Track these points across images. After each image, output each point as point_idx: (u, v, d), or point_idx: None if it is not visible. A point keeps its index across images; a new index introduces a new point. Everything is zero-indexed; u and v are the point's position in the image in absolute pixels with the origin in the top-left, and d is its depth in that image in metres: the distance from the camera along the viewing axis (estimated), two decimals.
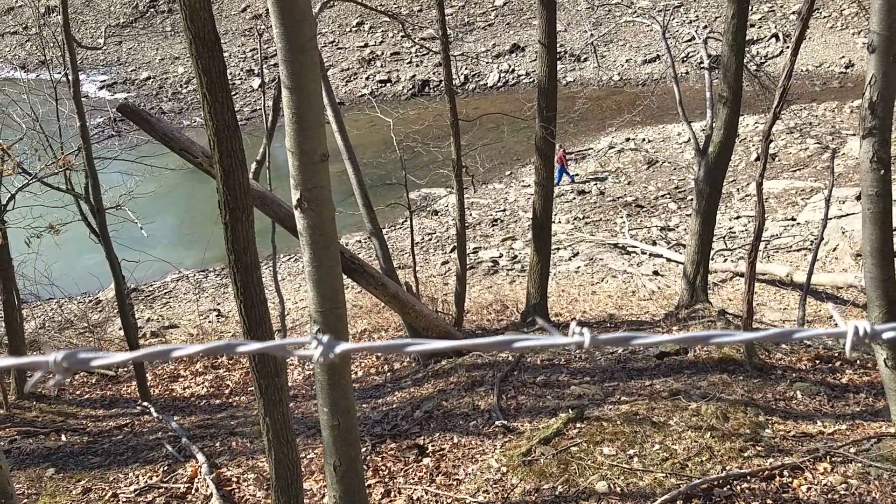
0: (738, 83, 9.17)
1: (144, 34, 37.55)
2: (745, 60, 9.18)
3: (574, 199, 22.59)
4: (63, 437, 8.03)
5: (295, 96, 3.35)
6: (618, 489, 5.59)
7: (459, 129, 9.33)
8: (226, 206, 4.40)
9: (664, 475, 5.68)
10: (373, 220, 9.19)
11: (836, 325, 1.11)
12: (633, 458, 5.94)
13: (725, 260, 16.50)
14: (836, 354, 8.48)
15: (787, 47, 31.28)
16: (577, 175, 23.49)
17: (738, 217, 19.97)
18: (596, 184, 23.22)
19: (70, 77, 9.03)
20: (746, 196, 21.50)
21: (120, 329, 13.28)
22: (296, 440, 5.00)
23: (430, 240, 20.39)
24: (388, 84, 32.61)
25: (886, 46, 4.97)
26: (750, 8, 32.85)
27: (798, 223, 18.40)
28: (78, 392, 10.11)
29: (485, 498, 5.83)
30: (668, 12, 15.74)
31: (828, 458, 5.87)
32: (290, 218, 7.69)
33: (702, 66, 11.13)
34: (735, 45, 9.01)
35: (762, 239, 17.55)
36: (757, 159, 23.53)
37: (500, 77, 32.40)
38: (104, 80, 34.60)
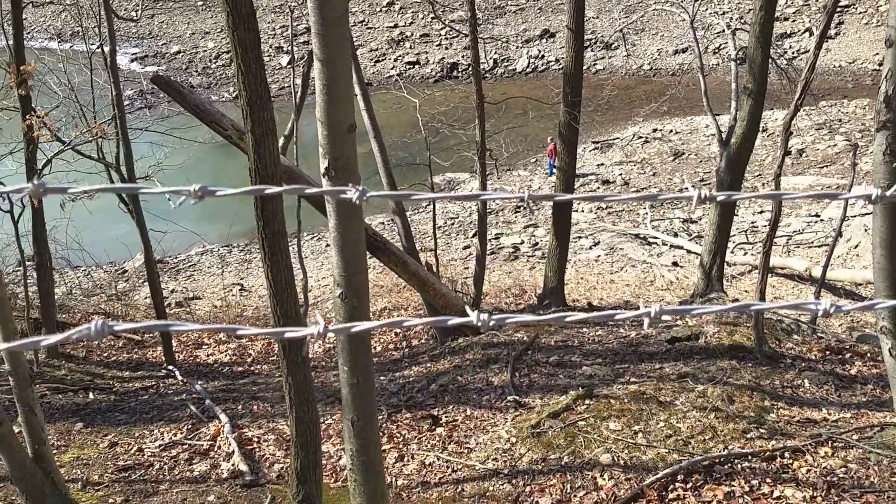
0: (763, 76, 9.23)
1: (177, 8, 37.92)
2: (776, 54, 9.25)
3: (598, 188, 22.67)
4: (91, 395, 8.36)
5: (326, 68, 3.54)
6: (621, 462, 5.78)
7: (484, 112, 9.48)
8: (256, 174, 4.62)
9: (667, 451, 5.87)
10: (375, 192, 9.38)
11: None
12: (637, 433, 6.13)
13: (746, 253, 16.54)
14: (847, 346, 8.59)
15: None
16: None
17: (761, 212, 19.94)
18: (598, 176, 23.15)
19: (107, 48, 9.29)
20: (772, 190, 21.47)
21: (147, 298, 13.64)
22: (316, 401, 5.24)
23: (453, 224, 20.59)
24: (417, 66, 32.74)
25: None
26: (785, 1, 32.38)
27: (822, 219, 18.35)
28: (105, 354, 10.46)
29: (493, 466, 6.05)
30: (698, 3, 15.71)
31: (829, 443, 6.01)
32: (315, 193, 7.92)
33: (730, 57, 11.16)
34: (762, 37, 9.07)
35: (785, 234, 17.66)
36: (785, 154, 23.47)
37: (529, 62, 32.40)
38: (135, 53, 35.06)
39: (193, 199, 1.40)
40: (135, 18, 19.35)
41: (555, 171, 22.62)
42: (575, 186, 10.50)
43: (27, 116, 8.65)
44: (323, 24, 3.49)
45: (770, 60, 11.31)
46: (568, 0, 9.17)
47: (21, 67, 8.22)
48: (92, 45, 13.05)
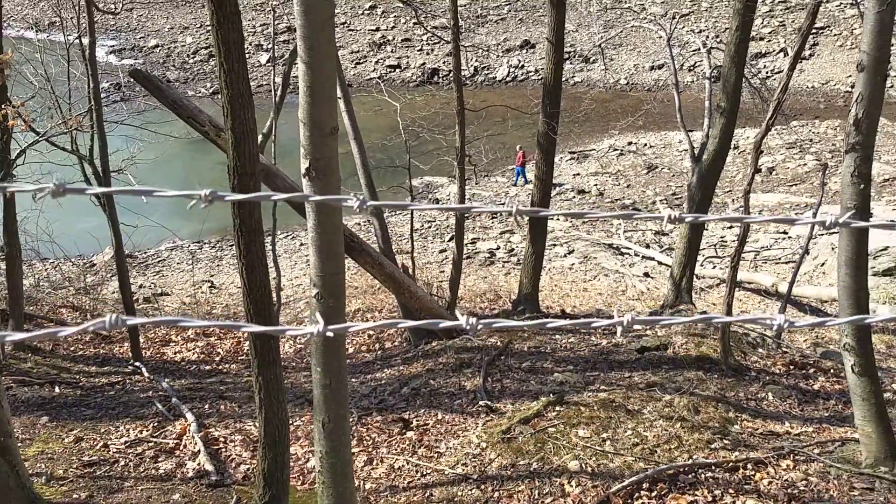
0: (736, 95, 9.40)
1: (156, 2, 37.62)
2: (750, 73, 9.41)
3: (574, 197, 22.85)
4: (57, 389, 8.26)
5: (310, 71, 3.57)
6: (589, 469, 5.85)
7: (465, 119, 9.54)
8: (235, 172, 4.63)
9: (633, 459, 5.95)
10: (374, 201, 9.41)
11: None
12: (605, 441, 6.20)
13: (714, 267, 16.78)
14: (811, 362, 8.76)
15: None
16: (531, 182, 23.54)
17: (730, 227, 20.23)
18: (574, 186, 23.37)
19: (86, 40, 9.21)
20: (741, 207, 21.78)
21: (115, 292, 13.49)
22: (286, 401, 5.25)
23: (430, 227, 20.63)
24: (398, 70, 32.78)
25: (875, 66, 5.22)
26: (761, 21, 32.91)
27: (790, 236, 18.65)
28: (72, 348, 10.34)
29: (463, 470, 6.09)
30: (675, 20, 15.93)
31: (791, 455, 6.13)
32: (293, 192, 7.91)
33: (705, 75, 11.35)
34: (737, 56, 9.24)
35: (753, 249, 17.94)
36: (755, 172, 23.86)
37: (509, 71, 32.58)
38: (113, 46, 34.71)
39: (204, 204, 1.43)
40: (116, 11, 19.13)
41: (521, 179, 22.93)
42: (551, 196, 10.59)
43: (2, 106, 8.55)
44: (309, 28, 3.52)
45: (744, 80, 11.52)
46: (549, 13, 9.27)
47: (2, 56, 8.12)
48: (70, 36, 12.92)
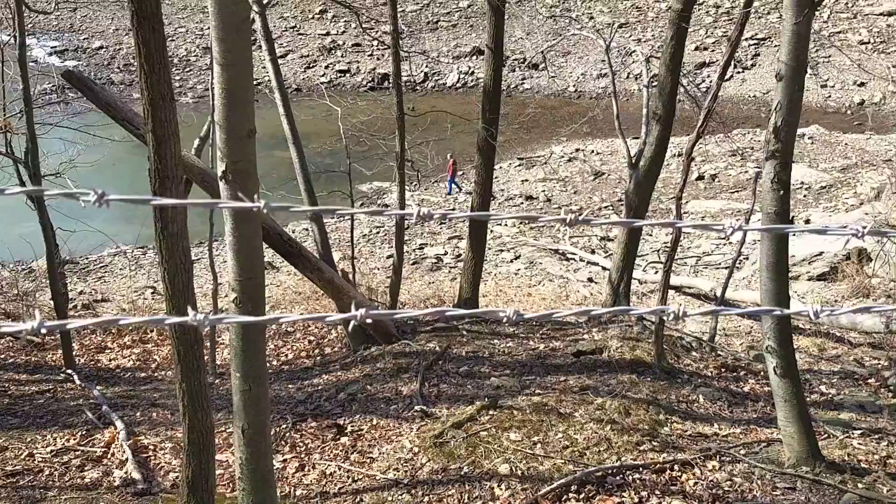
0: (671, 102, 9.58)
1: (101, 3, 36.89)
2: (694, 83, 9.60)
3: (521, 203, 23.05)
4: None
5: (226, 73, 3.55)
6: (518, 472, 5.90)
7: (405, 124, 9.56)
8: (156, 175, 4.56)
9: (563, 461, 6.01)
10: (313, 206, 9.36)
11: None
12: (536, 444, 6.26)
13: (657, 272, 17.03)
14: (743, 364, 8.96)
15: (738, 72, 32.29)
16: (464, 185, 23.60)
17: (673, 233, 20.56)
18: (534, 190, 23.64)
19: (17, 39, 8.99)
20: (684, 213, 22.22)
21: (52, 299, 13.18)
22: (211, 409, 5.18)
23: (378, 233, 20.58)
24: (348, 75, 32.69)
25: (792, 76, 5.38)
26: (705, 32, 33.47)
27: (730, 242, 19.07)
28: (2, 356, 10.06)
29: (394, 475, 6.08)
30: (620, 29, 16.19)
31: (717, 457, 6.26)
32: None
33: (643, 84, 11.56)
34: (671, 65, 9.42)
35: (695, 255, 18.31)
36: (698, 178, 24.33)
37: (459, 78, 32.73)
38: (55, 47, 33.94)
39: (96, 204, 1.43)
40: (48, 11, 18.63)
41: (454, 188, 23.02)
42: (490, 202, 10.65)
43: None
44: (223, 30, 3.50)
45: (683, 88, 11.75)
46: (488, 21, 9.34)
47: None
48: (4, 35, 12.60)
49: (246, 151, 3.70)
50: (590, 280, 16.87)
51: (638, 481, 5.87)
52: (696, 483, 5.94)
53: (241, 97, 3.61)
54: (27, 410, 7.69)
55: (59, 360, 9.84)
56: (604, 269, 17.21)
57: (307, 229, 18.93)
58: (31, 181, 9.45)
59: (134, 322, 1.38)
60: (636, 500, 5.68)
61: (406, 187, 22.52)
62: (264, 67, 9.48)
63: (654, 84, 10.13)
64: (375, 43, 32.66)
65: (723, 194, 23.41)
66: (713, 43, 32.87)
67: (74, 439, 6.89)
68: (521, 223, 21.42)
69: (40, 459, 6.45)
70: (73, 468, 6.35)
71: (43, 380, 9.13)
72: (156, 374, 9.65)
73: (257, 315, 4.01)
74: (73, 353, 9.90)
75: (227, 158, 3.67)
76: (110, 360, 10.38)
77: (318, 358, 9.87)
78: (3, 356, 10.07)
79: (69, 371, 9.25)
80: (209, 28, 3.57)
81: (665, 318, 1.39)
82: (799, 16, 5.15)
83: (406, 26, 34.78)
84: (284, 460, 6.58)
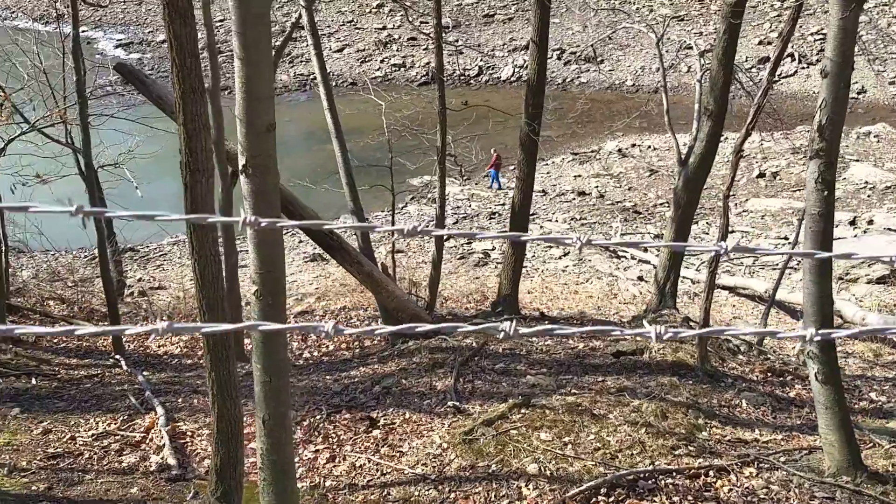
0: (724, 98, 9.33)
1: None
2: (756, 78, 9.32)
3: (574, 199, 22.78)
4: (33, 381, 8.30)
5: (245, 67, 3.56)
6: (547, 472, 5.83)
7: (447, 118, 9.53)
8: (187, 168, 4.63)
9: (594, 463, 5.91)
10: (355, 200, 9.42)
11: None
12: (567, 444, 6.17)
13: None
14: (791, 369, 8.69)
15: (803, 67, 31.33)
16: (505, 183, 23.38)
17: (732, 231, 20.12)
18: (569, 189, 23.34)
19: (72, 32, 9.25)
20: (744, 212, 21.69)
21: (103, 286, 13.56)
22: (240, 398, 5.24)
23: (428, 227, 20.62)
24: (402, 69, 32.78)
25: (838, 72, 5.17)
26: (769, 26, 32.52)
27: (790, 242, 18.53)
28: (55, 340, 10.38)
29: (422, 470, 6.07)
30: (681, 23, 15.84)
31: (755, 463, 6.08)
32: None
33: (696, 77, 11.27)
34: (724, 59, 9.16)
35: (752, 255, 17.83)
36: (759, 176, 23.71)
37: (513, 72, 32.52)
38: (121, 40, 34.87)
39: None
40: (104, 4, 19.16)
41: (495, 183, 22.82)
42: (532, 198, 10.54)
43: None
44: (243, 24, 3.51)
45: (739, 84, 11.42)
46: (533, 14, 9.22)
47: None
48: (67, 28, 12.98)
49: (265, 146, 3.72)
50: (640, 279, 16.59)
51: (670, 486, 5.74)
52: (730, 490, 5.78)
53: (260, 91, 3.63)
54: (73, 394, 7.93)
55: (109, 346, 10.12)
56: (655, 267, 16.91)
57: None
58: (85, 170, 9.71)
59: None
60: None
61: (455, 181, 22.56)
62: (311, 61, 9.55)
63: (706, 79, 9.87)
64: (431, 37, 32.72)
65: (784, 193, 22.75)
66: (777, 37, 31.92)
67: (115, 424, 7.07)
68: (570, 218, 21.20)
69: (81, 443, 6.64)
70: (112, 452, 6.52)
71: (92, 364, 9.40)
72: (201, 362, 9.81)
73: (277, 306, 4.03)
74: (124, 339, 10.17)
75: (246, 153, 3.69)
76: (159, 347, 10.63)
77: (358, 350, 9.94)
78: (56, 340, 10.39)
79: (117, 356, 9.51)
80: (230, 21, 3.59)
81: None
82: (845, 10, 4.94)
83: (460, 20, 34.73)
84: (316, 451, 6.64)
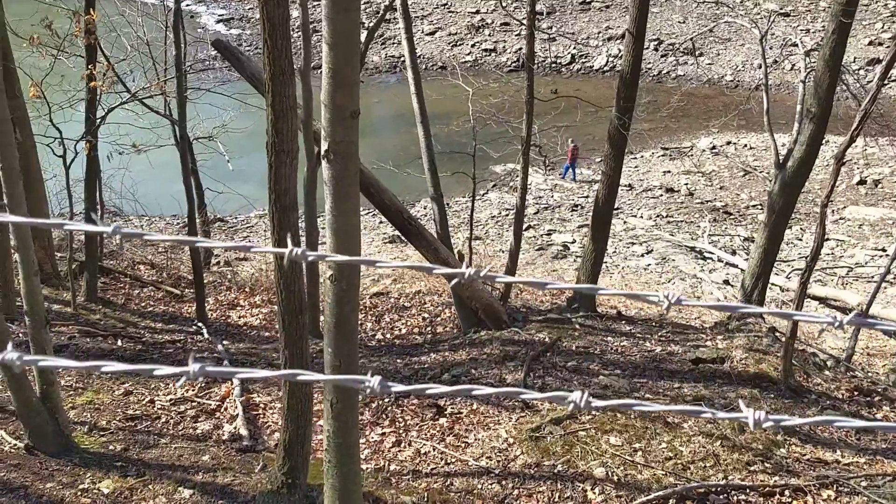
0: (828, 100, 8.87)
1: None
2: (865, 80, 8.84)
3: (661, 195, 22.23)
4: (119, 342, 8.63)
5: (333, 53, 3.55)
6: (615, 477, 5.70)
7: (533, 108, 9.38)
8: (273, 148, 4.67)
9: (664, 473, 5.75)
10: (436, 186, 9.40)
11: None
12: (637, 451, 6.02)
13: None
14: (880, 389, 8.26)
15: None
16: (580, 174, 22.87)
17: (827, 239, 19.25)
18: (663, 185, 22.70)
19: (174, 5, 9.50)
20: (840, 219, 20.73)
21: (190, 255, 13.99)
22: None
23: (508, 216, 20.46)
24: (494, 54, 32.55)
25: None
26: (882, 26, 30.89)
27: (887, 254, 17.63)
28: (143, 304, 10.78)
29: (486, 464, 6.03)
30: (787, 18, 15.16)
31: (835, 486, 5.81)
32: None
33: (800, 78, 10.77)
34: (831, 60, 8.71)
35: (847, 265, 17.03)
36: (860, 183, 22.60)
37: (607, 61, 31.88)
38: (222, 15, 35.77)
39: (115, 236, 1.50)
40: None
41: (569, 174, 22.36)
42: (617, 194, 10.28)
43: (89, 66, 8.92)
44: (333, 9, 3.50)
45: (845, 86, 10.86)
46: (631, 3, 8.95)
47: (85, 17, 8.46)
48: (171, 2, 13.38)
49: (349, 132, 3.70)
50: (725, 283, 16.08)
51: (743, 502, 5.54)
52: None
53: (346, 77, 3.61)
54: (156, 358, 8.20)
55: (193, 313, 10.44)
56: (743, 271, 16.35)
57: (425, 207, 19.12)
58: (179, 142, 10.00)
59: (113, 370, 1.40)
60: None
61: (538, 171, 22.31)
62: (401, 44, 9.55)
63: (811, 80, 9.42)
64: (524, 22, 32.36)
65: (885, 202, 21.63)
66: (890, 38, 30.27)
67: (193, 391, 7.28)
68: (656, 215, 20.69)
69: (159, 406, 6.86)
70: (188, 418, 6.71)
71: (176, 330, 9.71)
72: (277, 335, 10.04)
73: (350, 292, 4.03)
74: (207, 307, 10.48)
75: (329, 138, 3.68)
76: (239, 318, 10.91)
77: (430, 336, 9.95)
78: (144, 304, 10.79)
79: (199, 324, 9.79)
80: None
81: (748, 424, 1.14)
82: None
83: (555, 5, 34.22)
84: (383, 433, 6.68)
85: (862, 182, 22.44)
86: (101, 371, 1.13)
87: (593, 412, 6.66)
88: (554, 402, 1.17)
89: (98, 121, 9.41)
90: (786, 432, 6.77)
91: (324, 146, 3.75)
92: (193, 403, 7.04)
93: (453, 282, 1.27)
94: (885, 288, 14.90)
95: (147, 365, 1.01)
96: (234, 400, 7.06)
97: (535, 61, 10.24)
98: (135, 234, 1.09)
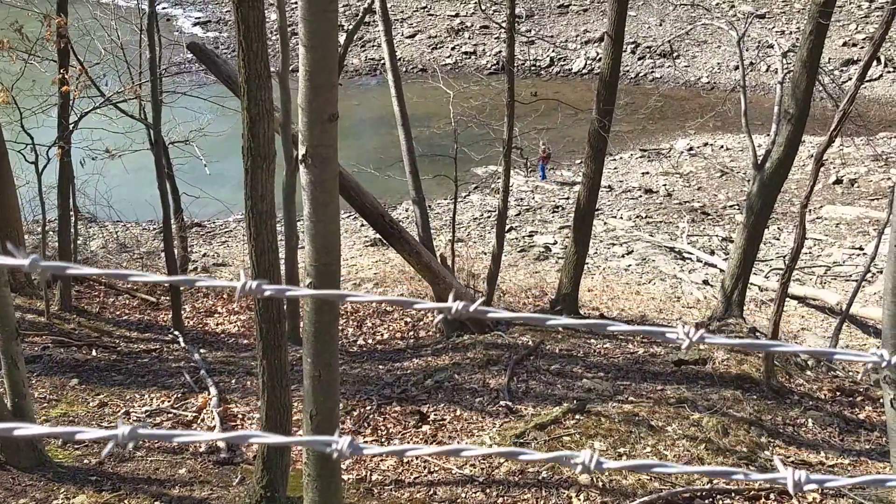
0: (805, 102, 8.89)
1: None
2: (839, 80, 8.86)
3: (640, 196, 22.28)
4: (94, 352, 8.45)
5: (310, 55, 3.46)
6: (600, 483, 5.64)
7: (514, 111, 9.32)
8: (249, 153, 4.57)
9: (648, 478, 5.70)
10: (417, 189, 9.31)
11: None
12: (622, 456, 5.97)
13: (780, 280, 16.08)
14: (861, 389, 8.27)
15: (889, 71, 29.97)
16: (560, 175, 22.91)
17: (805, 238, 19.34)
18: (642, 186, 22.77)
19: (164, 9, 9.35)
20: (817, 218, 20.87)
21: (165, 259, 13.78)
22: (290, 386, 5.19)
23: (489, 217, 20.40)
24: (473, 57, 32.53)
25: None
26: (855, 27, 31.23)
27: (865, 253, 17.77)
28: (118, 312, 10.59)
29: (470, 472, 5.95)
30: (762, 20, 15.24)
31: (820, 489, 5.78)
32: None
33: (777, 79, 10.81)
34: (809, 62, 8.73)
35: (825, 264, 17.15)
36: (836, 182, 22.78)
37: (585, 63, 31.96)
38: (199, 17, 35.45)
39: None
40: None
41: (542, 174, 22.36)
42: (598, 196, 10.25)
43: (61, 70, 8.75)
44: (310, 11, 3.41)
45: (822, 87, 10.90)
46: (610, 7, 8.93)
47: (56, 20, 8.29)
48: (143, 4, 13.19)
49: (327, 136, 3.61)
50: (705, 283, 16.13)
51: None
52: None
53: (323, 80, 3.52)
54: (131, 368, 8.04)
55: (169, 321, 10.27)
56: (721, 271, 16.40)
57: (407, 209, 19.03)
58: (153, 146, 9.83)
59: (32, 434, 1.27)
60: None
61: (519, 172, 22.27)
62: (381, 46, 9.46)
63: (788, 81, 9.44)
64: (504, 26, 32.35)
65: (861, 201, 21.82)
66: (863, 39, 30.60)
67: (169, 401, 7.14)
68: (636, 216, 20.73)
69: (135, 418, 6.72)
70: (164, 430, 6.56)
71: (152, 339, 9.54)
72: None
73: (331, 301, 3.94)
74: (184, 315, 10.31)
75: (307, 142, 3.60)
76: (217, 325, 10.75)
77: (412, 340, 9.86)
78: (119, 312, 10.60)
79: (175, 332, 9.63)
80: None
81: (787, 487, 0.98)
82: None
83: (534, 9, 34.28)
84: (365, 442, 6.57)
85: (838, 181, 22.64)
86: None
87: (577, 417, 6.61)
88: (560, 464, 1.02)
89: (71, 126, 9.23)
90: (769, 434, 6.76)
91: (301, 150, 3.66)
92: (170, 415, 6.90)
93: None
94: (864, 287, 15.00)
95: (69, 427, 0.89)
96: (212, 411, 6.93)
97: (515, 64, 10.20)
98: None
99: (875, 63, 29.02)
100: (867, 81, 28.91)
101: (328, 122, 3.61)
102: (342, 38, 10.98)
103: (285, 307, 5.26)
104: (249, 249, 4.78)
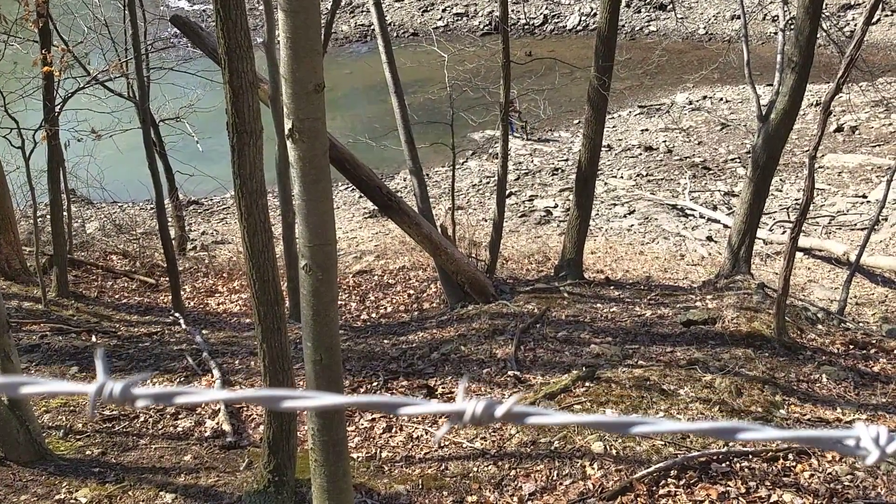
0: (809, 49, 8.63)
1: None
2: (836, 27, 8.59)
3: (640, 154, 22.00)
4: (93, 338, 8.32)
5: (290, 20, 3.24)
6: (613, 451, 5.52)
7: (510, 72, 9.07)
8: (234, 129, 4.37)
9: (663, 443, 5.58)
10: (414, 158, 9.10)
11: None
12: None
13: (784, 232, 15.89)
14: (874, 341, 8.14)
15: (887, 15, 29.43)
16: (559, 136, 22.50)
17: (814, 190, 19.11)
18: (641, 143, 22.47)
19: None
20: (819, 167, 20.61)
21: (161, 240, 13.61)
22: (292, 370, 5.04)
23: (489, 183, 20.15)
24: (465, 18, 32.01)
25: None
26: None
27: (868, 201, 17.56)
28: (117, 296, 10.44)
29: (481, 445, 5.83)
30: None
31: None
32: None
33: (779, 27, 10.51)
34: (811, 7, 8.45)
35: (829, 214, 16.94)
36: (837, 130, 22.45)
37: (580, 20, 31.44)
38: None
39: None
40: None
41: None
42: (600, 156, 10.03)
43: (43, 51, 8.49)
44: None
45: (824, 33, 10.61)
46: None
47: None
48: None
49: (314, 108, 3.40)
50: (709, 239, 15.95)
51: (746, 470, 5.38)
52: (811, 475, 5.38)
53: (307, 48, 3.30)
54: (132, 353, 7.91)
55: (169, 303, 10.13)
56: (725, 227, 16.20)
57: (405, 179, 18.78)
58: (142, 124, 9.61)
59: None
60: (742, 490, 5.20)
61: (518, 136, 21.96)
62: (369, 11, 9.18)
63: (790, 28, 9.16)
64: None
65: (863, 148, 21.54)
66: None
67: (172, 385, 7.01)
68: (636, 174, 20.47)
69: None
70: (168, 416, 6.44)
71: (153, 321, 9.41)
72: None
73: (327, 281, 3.76)
74: (184, 296, 10.17)
75: (293, 115, 3.39)
76: (218, 304, 10.61)
77: (416, 313, 9.72)
78: (118, 296, 10.46)
79: (176, 314, 9.49)
80: None
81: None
82: None
83: None
84: (373, 419, 6.45)
85: (839, 129, 22.32)
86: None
87: (587, 384, 6.48)
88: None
89: (57, 108, 9.00)
90: (783, 392, 6.63)
91: (287, 125, 3.45)
92: None
93: (446, 419, 0.89)
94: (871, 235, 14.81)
95: (54, 382, 0.71)
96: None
97: (509, 24, 9.93)
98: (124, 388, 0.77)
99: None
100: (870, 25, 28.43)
101: (314, 93, 3.40)
102: (329, 2, 10.68)
103: (282, 288, 5.09)
104: (241, 230, 4.60)
